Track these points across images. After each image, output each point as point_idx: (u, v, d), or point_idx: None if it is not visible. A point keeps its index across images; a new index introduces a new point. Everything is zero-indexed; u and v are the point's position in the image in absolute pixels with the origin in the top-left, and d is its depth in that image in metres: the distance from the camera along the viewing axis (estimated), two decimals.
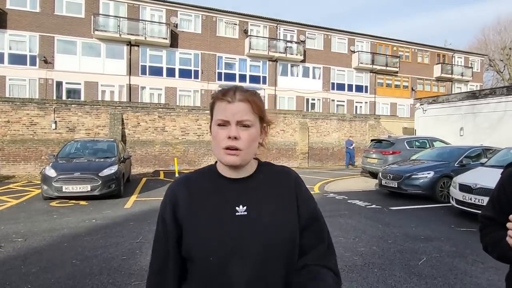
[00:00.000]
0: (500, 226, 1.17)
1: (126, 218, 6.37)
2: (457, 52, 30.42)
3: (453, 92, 26.32)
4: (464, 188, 6.47)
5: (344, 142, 17.89)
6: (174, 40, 20.56)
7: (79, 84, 18.93)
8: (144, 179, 12.00)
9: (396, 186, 8.68)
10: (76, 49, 18.88)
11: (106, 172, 8.04)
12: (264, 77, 22.96)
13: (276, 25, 23.32)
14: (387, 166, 9.96)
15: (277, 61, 23.12)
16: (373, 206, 7.72)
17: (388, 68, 26.10)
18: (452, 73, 28.72)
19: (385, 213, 7.12)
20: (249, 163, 1.00)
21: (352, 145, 17.09)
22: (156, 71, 20.36)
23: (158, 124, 15.02)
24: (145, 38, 19.41)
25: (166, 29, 20.00)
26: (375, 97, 26.40)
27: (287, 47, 22.95)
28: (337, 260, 1.04)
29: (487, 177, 6.24)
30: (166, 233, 0.98)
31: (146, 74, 20.14)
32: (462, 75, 29.15)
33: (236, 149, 0.92)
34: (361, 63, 25.26)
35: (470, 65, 30.38)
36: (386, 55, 26.48)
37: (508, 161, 7.09)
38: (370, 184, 11.18)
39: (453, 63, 29.54)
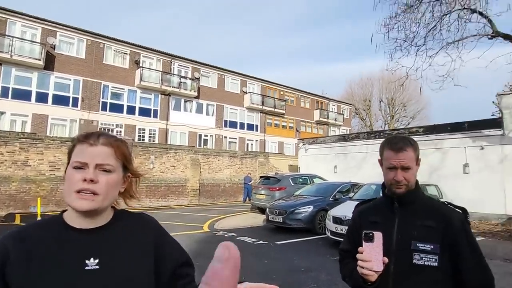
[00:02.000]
0: (355, 257, 1.29)
1: None
2: (331, 100, 35.53)
3: (329, 135, 30.17)
4: (336, 220, 7.08)
5: (243, 178, 18.34)
6: (50, 62, 18.08)
7: None
8: None
9: (281, 220, 9.00)
10: None
11: None
12: (156, 111, 22.03)
13: (170, 59, 23.12)
14: (274, 202, 10.34)
15: (170, 95, 22.62)
16: (261, 242, 7.82)
17: (276, 110, 28.45)
18: (328, 118, 33.17)
19: (271, 247, 7.27)
20: (106, 211, 0.92)
21: (251, 181, 17.63)
22: (22, 95, 17.21)
23: (19, 157, 12.50)
24: (11, 56, 16.51)
25: (40, 49, 17.46)
26: (265, 135, 28.16)
27: (181, 82, 22.80)
28: None
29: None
30: None
31: (7, 97, 16.88)
32: (335, 120, 33.99)
33: (93, 193, 0.84)
34: (252, 103, 26.90)
35: (341, 112, 35.74)
36: (275, 98, 28.95)
37: (369, 194, 8.11)
38: (259, 219, 11.37)
39: (329, 110, 34.26)
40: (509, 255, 6.66)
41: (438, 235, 1.27)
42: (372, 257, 1.18)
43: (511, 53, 8.28)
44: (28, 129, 16.92)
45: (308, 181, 13.39)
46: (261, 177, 14.93)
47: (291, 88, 30.99)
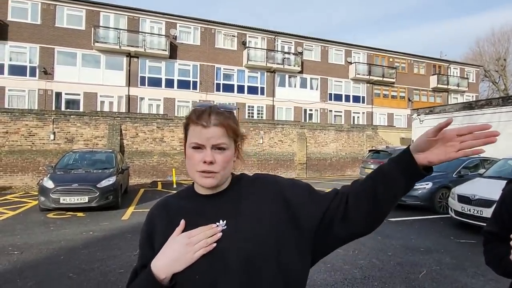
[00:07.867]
0: (503, 241, 1.18)
1: (123, 230, 6.32)
2: (452, 63, 30.79)
3: (449, 103, 26.53)
4: (462, 199, 6.46)
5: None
6: (173, 51, 20.74)
7: (78, 95, 18.98)
8: (141, 190, 11.94)
9: None
10: (76, 60, 18.99)
11: (104, 183, 8.01)
12: (262, 88, 23.12)
13: (274, 37, 23.60)
14: None
15: (275, 72, 23.32)
16: None
17: (384, 79, 26.35)
18: (448, 84, 29.01)
19: (384, 224, 7.05)
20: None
21: None
22: (155, 82, 20.47)
23: (157, 134, 15.03)
24: (145, 49, 19.58)
25: (165, 41, 20.19)
26: (372, 107, 26.58)
27: (285, 58, 23.19)
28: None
29: (485, 188, 6.24)
30: (144, 262, 0.98)
31: (145, 85, 20.24)
32: (458, 86, 29.45)
33: (212, 172, 0.92)
34: (358, 74, 25.50)
35: (465, 76, 30.71)
36: (383, 66, 26.75)
37: (505, 172, 7.12)
38: None
39: (449, 74, 29.85)
40: None
41: None
42: None
43: None
44: (161, 111, 20.08)
45: None
46: (370, 151, 14.42)
47: (401, 53, 28.07)
